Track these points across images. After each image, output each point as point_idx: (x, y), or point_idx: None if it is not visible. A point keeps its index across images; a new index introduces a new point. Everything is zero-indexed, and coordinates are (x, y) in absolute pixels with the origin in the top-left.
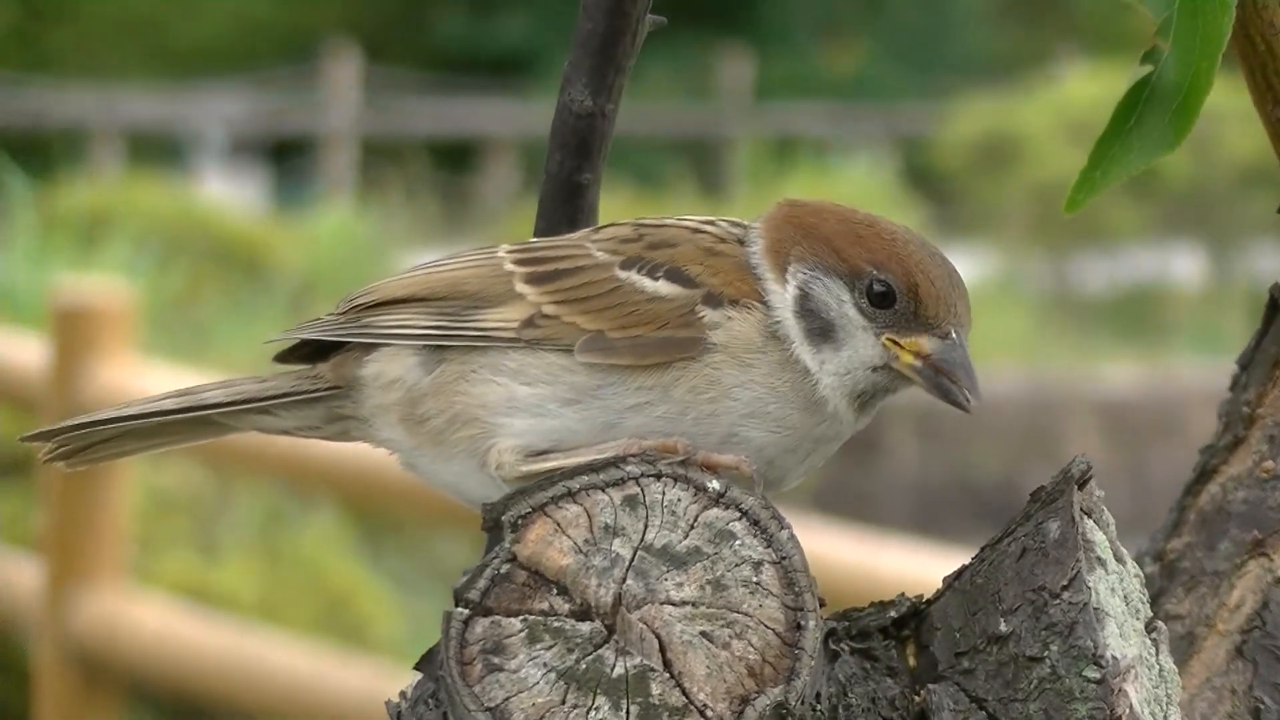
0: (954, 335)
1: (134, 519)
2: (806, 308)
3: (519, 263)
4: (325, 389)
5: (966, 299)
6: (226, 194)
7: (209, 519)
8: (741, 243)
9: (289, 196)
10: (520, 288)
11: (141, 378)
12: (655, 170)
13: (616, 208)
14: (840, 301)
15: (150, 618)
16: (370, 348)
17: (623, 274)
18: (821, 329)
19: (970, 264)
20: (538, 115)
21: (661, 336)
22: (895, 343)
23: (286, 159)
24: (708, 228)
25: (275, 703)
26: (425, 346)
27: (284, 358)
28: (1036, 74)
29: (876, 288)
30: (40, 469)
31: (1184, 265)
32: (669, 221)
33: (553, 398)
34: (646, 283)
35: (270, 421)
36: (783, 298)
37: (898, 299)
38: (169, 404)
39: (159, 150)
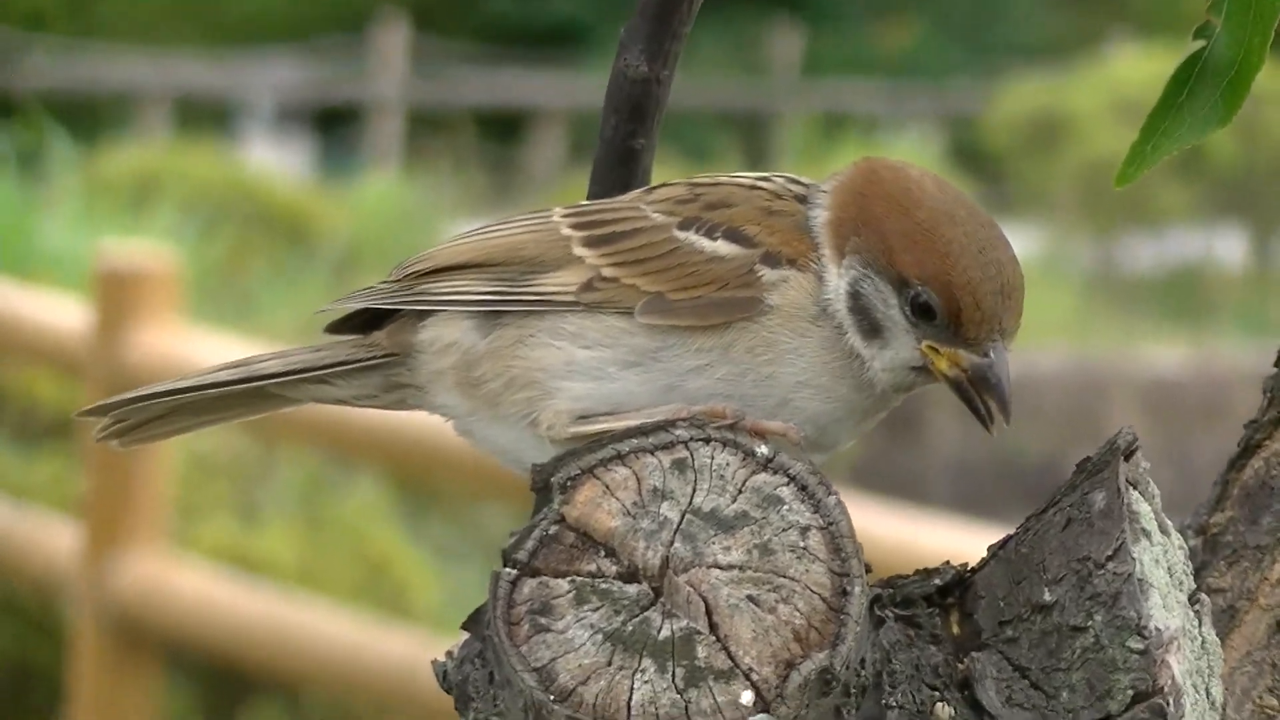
0: (992, 354)
1: (174, 484)
2: (858, 304)
3: (576, 226)
4: (382, 356)
5: (1017, 304)
6: (273, 161)
7: (250, 485)
8: (801, 200)
9: (335, 165)
10: (578, 251)
11: (185, 343)
12: (705, 143)
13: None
14: (887, 304)
15: (190, 583)
16: (425, 313)
17: (681, 234)
18: (871, 326)
19: (1017, 243)
20: (586, 87)
21: (722, 297)
22: (935, 349)
23: (334, 128)
24: (763, 184)
25: (314, 670)
26: (481, 311)
27: (336, 327)
28: (1088, 55)
29: (920, 299)
30: (81, 432)
31: (1230, 247)
32: (723, 180)
33: (613, 360)
34: (705, 243)
35: (328, 391)
36: (837, 286)
37: (938, 316)
38: (225, 375)
39: (207, 117)
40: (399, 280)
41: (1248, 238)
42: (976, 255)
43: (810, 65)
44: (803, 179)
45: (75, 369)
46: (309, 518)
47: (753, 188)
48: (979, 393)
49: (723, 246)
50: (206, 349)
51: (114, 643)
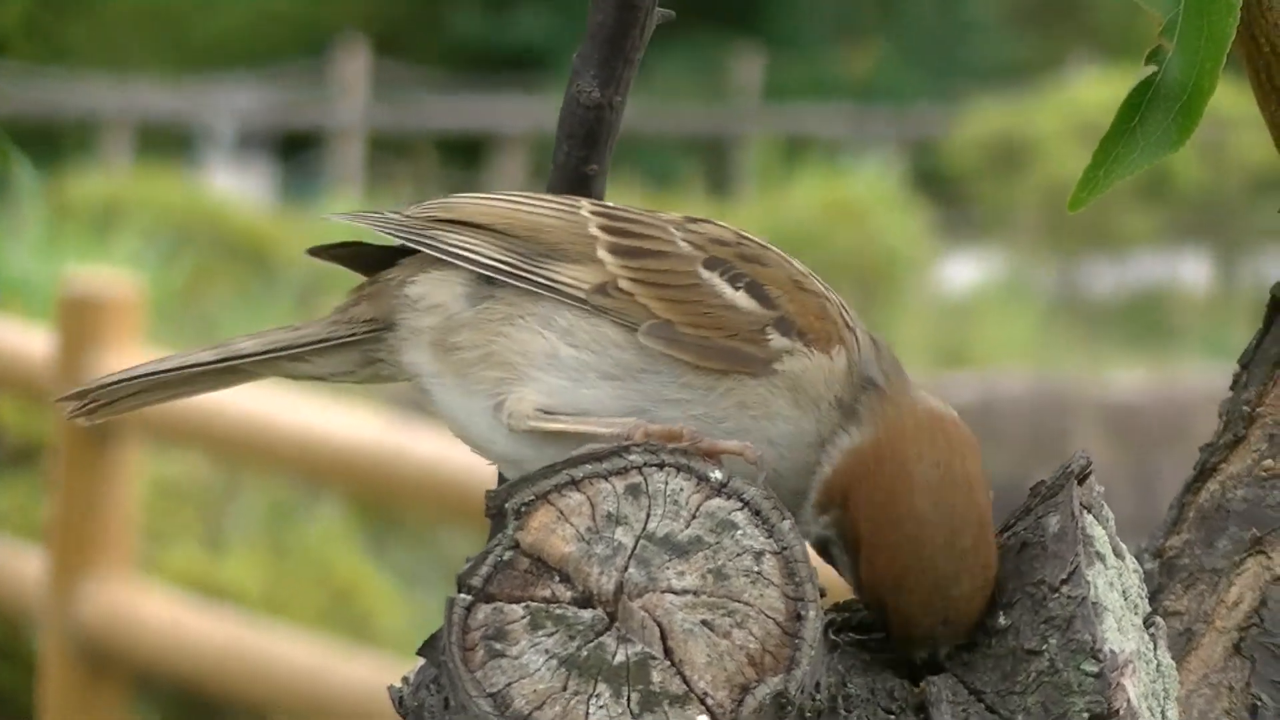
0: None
1: (140, 510)
2: (822, 546)
3: (604, 229)
4: (362, 333)
5: (958, 626)
6: (235, 187)
7: (215, 511)
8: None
9: (298, 190)
10: (601, 254)
11: None
12: (666, 168)
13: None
14: (847, 568)
15: (156, 610)
16: (418, 269)
17: (705, 273)
18: (822, 544)
19: (979, 266)
20: (548, 111)
21: (728, 346)
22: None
23: (296, 153)
24: (807, 272)
25: (281, 695)
26: (477, 279)
27: (320, 252)
28: (1049, 78)
29: (858, 617)
30: (46, 458)
31: (1193, 270)
32: (771, 248)
33: (595, 367)
34: (726, 289)
35: (303, 368)
36: (815, 520)
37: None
38: (205, 355)
39: (170, 142)
40: (415, 218)
41: (1211, 261)
42: (929, 591)
43: (772, 89)
44: (857, 320)
45: (39, 395)
46: (274, 544)
47: (787, 260)
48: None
49: (742, 298)
50: None
51: (81, 669)
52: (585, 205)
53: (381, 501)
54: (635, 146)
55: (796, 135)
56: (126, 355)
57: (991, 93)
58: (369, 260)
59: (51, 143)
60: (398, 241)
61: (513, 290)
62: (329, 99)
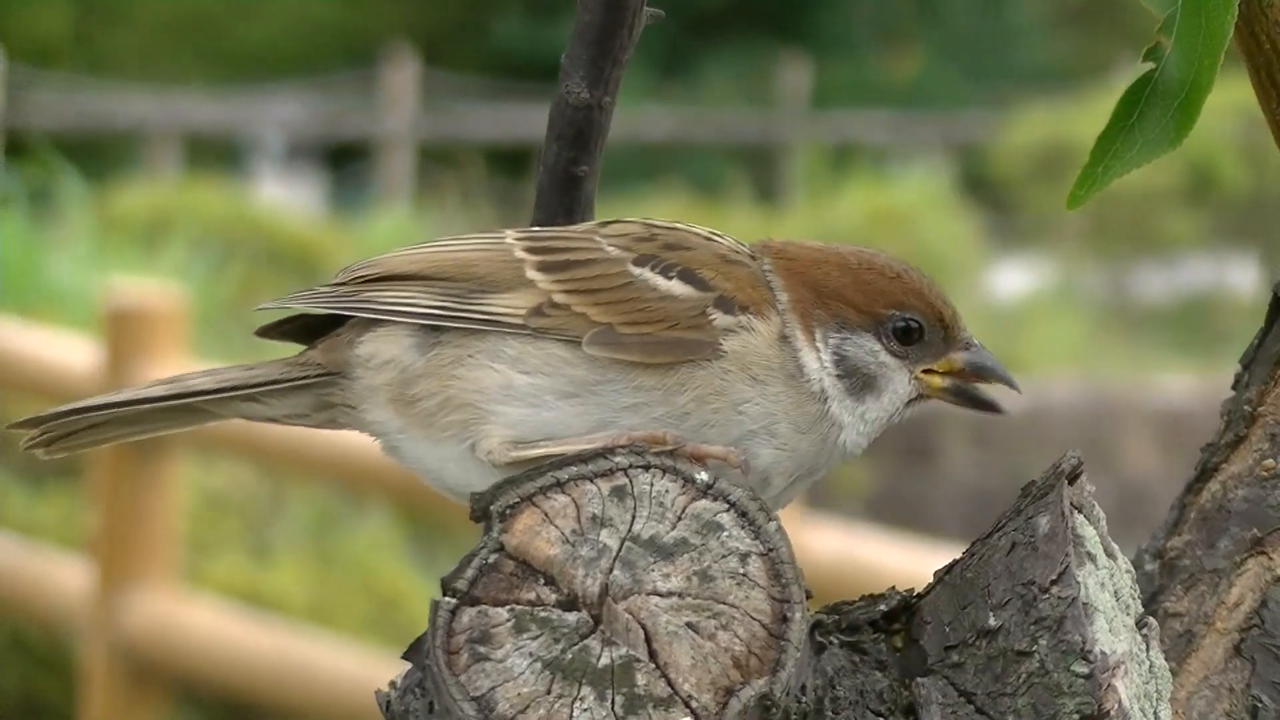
0: (975, 341)
1: (185, 521)
2: (846, 366)
3: (530, 250)
4: (315, 376)
5: None
6: (283, 198)
7: (260, 521)
8: (754, 258)
9: (345, 201)
10: (531, 274)
11: None
12: (713, 176)
13: (673, 213)
14: (873, 352)
15: (201, 620)
16: (364, 329)
17: (635, 270)
18: (863, 382)
19: (1027, 273)
20: None
21: (672, 336)
22: (929, 372)
23: (343, 163)
24: (719, 238)
25: (325, 705)
26: (422, 328)
27: (267, 332)
28: (1095, 83)
29: (900, 324)
30: (92, 469)
31: (1240, 275)
32: (679, 226)
33: (550, 389)
34: (659, 281)
35: (257, 409)
36: (819, 361)
37: (926, 331)
38: (158, 390)
39: (217, 153)
40: (344, 284)
41: (1258, 265)
42: (910, 271)
43: (819, 96)
44: (744, 245)
45: None
46: (319, 554)
47: (709, 238)
48: (982, 378)
49: (677, 286)
50: None
51: (125, 679)
52: (509, 233)
53: (426, 511)
54: (682, 155)
55: (843, 142)
56: (172, 366)
57: (1036, 97)
58: (317, 330)
59: (98, 155)
60: (335, 311)
61: (458, 331)
62: (376, 109)
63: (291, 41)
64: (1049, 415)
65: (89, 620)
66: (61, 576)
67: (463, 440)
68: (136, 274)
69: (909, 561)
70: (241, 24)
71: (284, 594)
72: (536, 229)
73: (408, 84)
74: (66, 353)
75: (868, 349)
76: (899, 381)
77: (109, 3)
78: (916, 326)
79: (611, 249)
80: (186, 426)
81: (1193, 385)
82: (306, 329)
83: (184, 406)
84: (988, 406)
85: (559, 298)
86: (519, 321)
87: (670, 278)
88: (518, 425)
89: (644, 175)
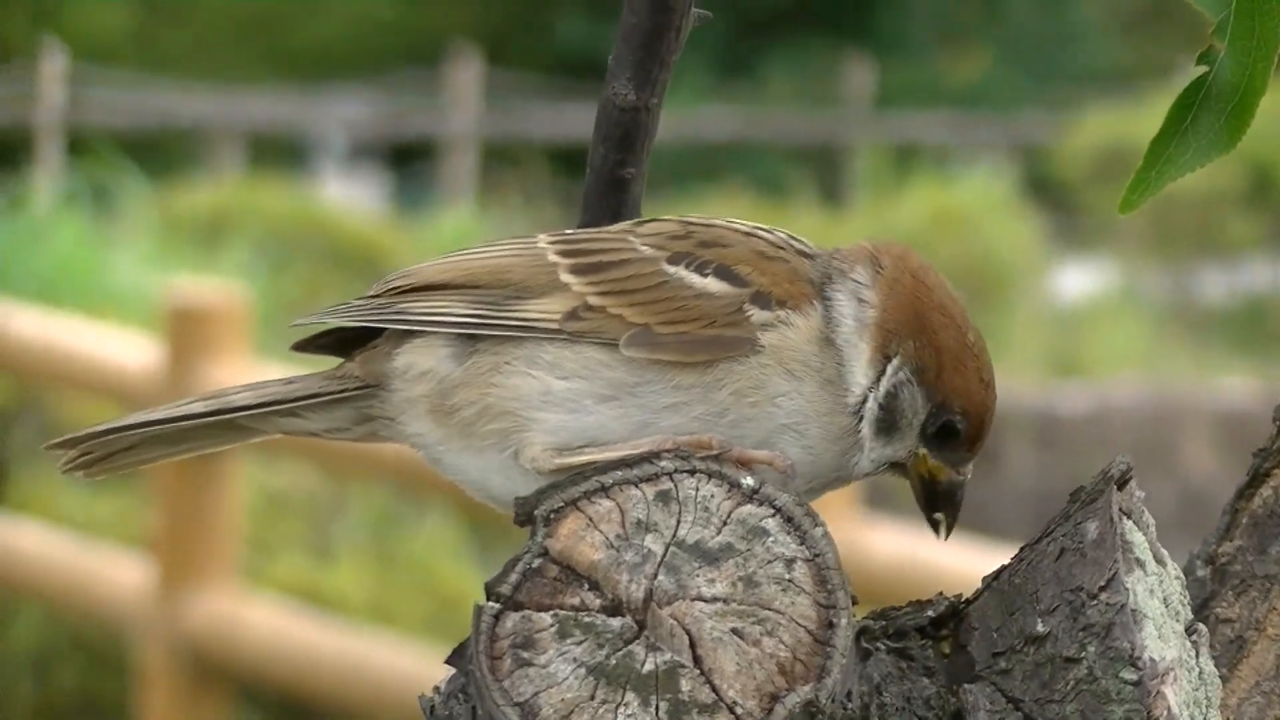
0: (966, 475)
1: (246, 520)
2: (890, 405)
3: (563, 253)
4: (354, 389)
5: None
6: (346, 197)
7: (321, 521)
8: (806, 256)
9: (409, 200)
10: (565, 278)
11: (253, 379)
12: (775, 177)
13: (735, 214)
14: (916, 414)
15: (262, 619)
16: (401, 340)
17: (670, 269)
18: (889, 425)
19: (1089, 275)
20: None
21: (709, 335)
22: (926, 457)
23: (407, 162)
24: (762, 233)
25: (386, 705)
26: (458, 337)
27: (305, 346)
28: (1157, 85)
29: (951, 424)
30: (153, 468)
31: None
32: (718, 222)
33: (589, 393)
34: (695, 279)
35: (298, 424)
36: (871, 381)
37: (960, 441)
38: (197, 407)
39: (279, 152)
40: (377, 296)
41: None
42: (993, 385)
43: (881, 97)
44: (808, 242)
45: (144, 405)
46: (380, 553)
47: (749, 235)
48: (941, 503)
49: (713, 284)
50: None
51: (186, 678)
52: (542, 237)
53: (486, 511)
54: (744, 155)
55: (906, 143)
56: (233, 366)
57: (1099, 99)
58: (354, 343)
59: (160, 153)
60: (369, 324)
61: (494, 339)
62: (440, 108)
63: (355, 40)
64: (1111, 417)
65: (149, 619)
66: (120, 575)
67: (504, 449)
68: (198, 273)
69: (970, 563)
70: (305, 23)
71: (344, 593)
72: (570, 231)
73: (471, 83)
74: (127, 352)
75: (915, 408)
76: (904, 446)
77: (171, 1)
78: (957, 433)
79: (645, 248)
80: (227, 445)
81: (1254, 387)
82: (344, 342)
83: (224, 423)
84: (933, 523)
85: (594, 300)
86: (554, 326)
87: (706, 275)
88: (558, 431)
89: (705, 176)
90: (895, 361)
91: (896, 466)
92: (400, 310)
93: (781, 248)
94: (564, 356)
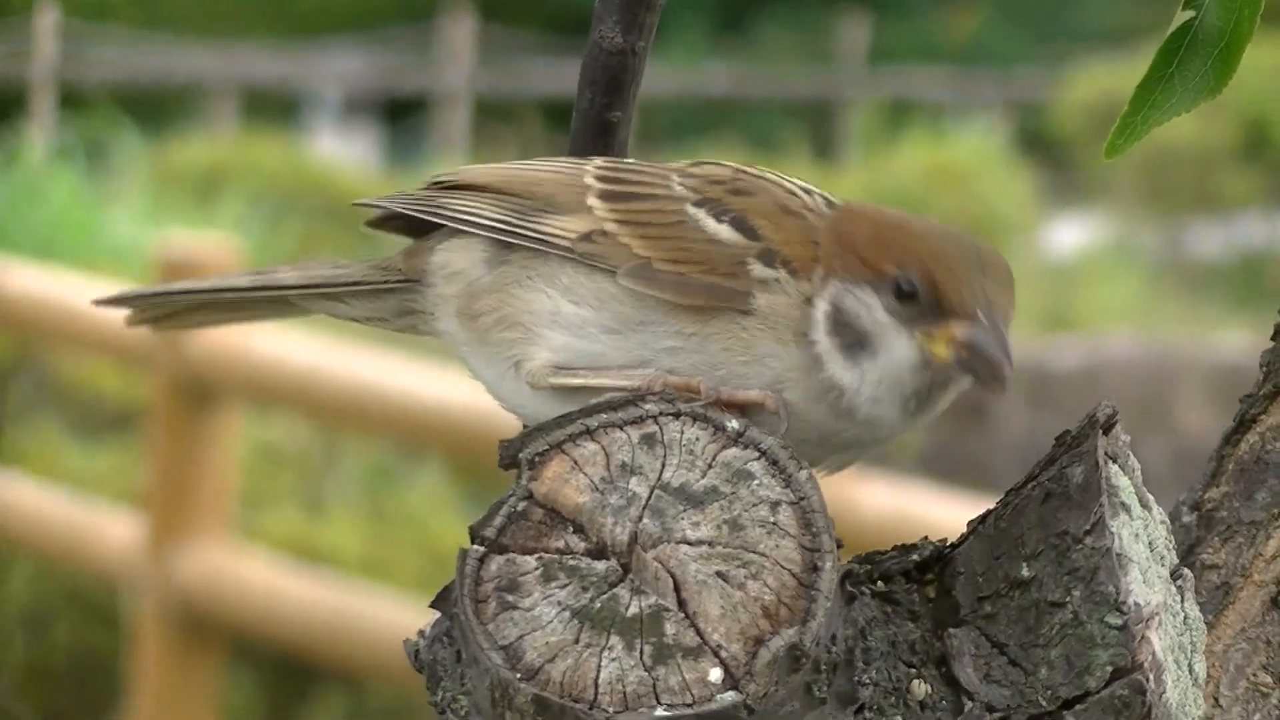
0: (982, 317)
1: (239, 475)
2: (840, 322)
3: (600, 178)
4: (395, 281)
5: (1001, 284)
6: (340, 152)
7: (315, 475)
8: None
9: (402, 155)
10: (591, 201)
11: (250, 334)
12: (770, 132)
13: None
14: (870, 309)
15: (255, 574)
16: (444, 238)
17: (691, 210)
18: (856, 339)
19: (1084, 230)
20: (651, 75)
21: (706, 281)
22: (929, 335)
23: (401, 118)
24: (801, 193)
25: (379, 661)
26: (495, 243)
27: (377, 224)
28: (1153, 41)
29: (899, 285)
30: (145, 422)
31: None
32: (767, 175)
33: (595, 323)
34: (710, 223)
35: (341, 308)
36: (822, 317)
37: (919, 292)
38: (244, 281)
39: (274, 108)
40: (427, 189)
41: None
42: (947, 236)
43: (877, 53)
44: (829, 198)
45: (138, 361)
46: (374, 508)
47: (790, 192)
48: (976, 357)
49: (725, 231)
50: (271, 339)
51: (178, 633)
52: (596, 161)
53: (482, 465)
54: (739, 111)
55: (901, 99)
56: None
57: (1095, 55)
58: (417, 233)
59: (155, 109)
60: (410, 212)
61: (526, 252)
62: (434, 64)
63: None
64: (1105, 372)
65: (142, 574)
66: (114, 530)
67: (510, 359)
68: (193, 228)
69: (960, 518)
70: None
71: (338, 548)
72: (625, 161)
73: (465, 39)
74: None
75: (864, 304)
76: (897, 342)
77: None
78: (910, 286)
79: (679, 187)
80: (278, 318)
81: (1249, 342)
82: (413, 230)
83: (274, 298)
84: (982, 384)
85: (610, 227)
86: (567, 245)
87: (722, 222)
88: (561, 351)
89: (701, 131)
90: (828, 284)
91: (925, 370)
92: (440, 204)
93: (810, 210)
94: (579, 282)
